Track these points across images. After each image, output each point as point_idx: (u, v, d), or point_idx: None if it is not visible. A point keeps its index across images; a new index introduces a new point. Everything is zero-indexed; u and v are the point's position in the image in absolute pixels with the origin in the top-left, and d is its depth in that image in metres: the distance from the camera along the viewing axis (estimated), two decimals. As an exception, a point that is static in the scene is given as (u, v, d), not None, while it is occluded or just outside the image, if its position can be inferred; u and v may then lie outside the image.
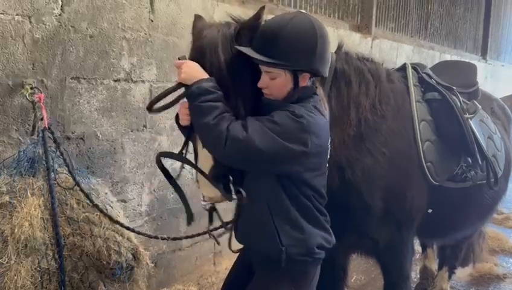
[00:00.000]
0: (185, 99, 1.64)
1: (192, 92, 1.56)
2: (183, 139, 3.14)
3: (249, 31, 1.63)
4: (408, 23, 5.98)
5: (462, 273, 3.70)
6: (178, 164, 1.81)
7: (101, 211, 2.11)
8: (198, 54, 1.64)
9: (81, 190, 2.08)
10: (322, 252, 1.68)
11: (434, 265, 3.49)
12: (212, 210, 1.81)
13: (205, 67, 1.60)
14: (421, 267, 3.54)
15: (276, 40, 1.57)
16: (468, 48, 7.80)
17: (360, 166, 2.02)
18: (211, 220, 1.83)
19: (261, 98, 1.67)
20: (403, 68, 2.48)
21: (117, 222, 2.16)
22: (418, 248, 3.46)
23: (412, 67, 2.46)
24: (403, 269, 2.33)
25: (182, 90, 1.64)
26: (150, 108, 1.71)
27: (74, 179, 2.08)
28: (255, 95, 1.66)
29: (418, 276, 3.56)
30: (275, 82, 1.61)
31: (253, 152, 1.51)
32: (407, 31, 6.00)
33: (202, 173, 1.66)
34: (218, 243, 1.92)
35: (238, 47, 1.60)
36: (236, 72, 1.61)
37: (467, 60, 6.99)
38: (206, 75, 1.58)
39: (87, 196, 2.09)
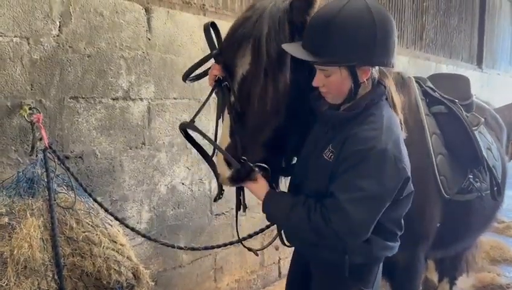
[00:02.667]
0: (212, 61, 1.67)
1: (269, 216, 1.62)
2: (182, 155, 3.17)
3: (304, 4, 1.49)
4: (403, 34, 6.03)
5: (465, 284, 3.68)
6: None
7: (121, 221, 2.11)
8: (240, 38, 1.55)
9: (95, 200, 2.10)
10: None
11: (435, 276, 3.47)
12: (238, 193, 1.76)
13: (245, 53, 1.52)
14: (423, 280, 3.52)
15: (326, 33, 1.40)
16: (464, 57, 7.86)
17: None
18: (238, 206, 1.78)
19: (323, 111, 1.56)
20: (407, 81, 2.49)
21: (133, 229, 2.18)
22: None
23: (415, 80, 2.47)
24: (415, 286, 2.32)
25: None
26: (184, 78, 1.76)
27: (85, 190, 2.12)
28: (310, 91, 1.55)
29: (420, 288, 3.54)
30: (330, 80, 1.46)
31: (362, 223, 1.44)
32: (403, 43, 6.05)
33: (219, 148, 1.63)
34: (256, 253, 1.86)
35: (284, 46, 1.46)
36: (282, 63, 1.50)
37: (462, 70, 7.06)
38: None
39: (100, 205, 2.10)
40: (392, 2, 5.69)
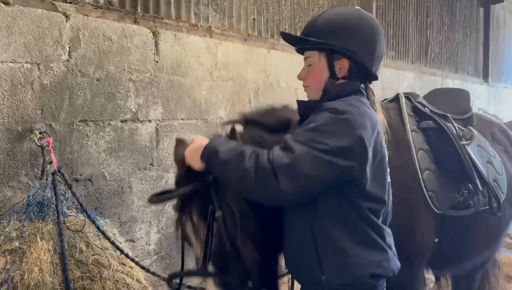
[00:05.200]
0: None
1: (207, 155, 1.41)
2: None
3: None
4: (408, 50, 6.06)
5: (479, 302, 3.60)
6: None
7: (133, 259, 2.11)
8: None
9: (100, 229, 2.08)
10: (379, 281, 1.42)
11: (449, 295, 3.41)
12: None
13: None
14: (436, 298, 3.46)
15: (315, 21, 1.52)
16: (470, 71, 7.86)
17: None
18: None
19: (297, 102, 1.56)
20: (396, 98, 2.51)
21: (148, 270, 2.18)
22: (431, 277, 3.39)
23: (405, 96, 2.48)
24: None
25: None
26: (153, 200, 1.59)
27: (89, 217, 2.10)
28: None
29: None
30: (310, 70, 1.51)
31: (308, 178, 1.31)
32: (408, 59, 6.07)
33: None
34: None
35: (282, 33, 1.56)
36: None
37: (468, 84, 7.06)
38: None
39: (107, 237, 2.09)
40: (396, 18, 5.74)
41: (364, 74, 1.51)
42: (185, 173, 1.51)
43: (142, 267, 2.28)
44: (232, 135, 1.53)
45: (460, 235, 2.40)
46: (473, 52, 8.03)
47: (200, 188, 1.48)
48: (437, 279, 3.48)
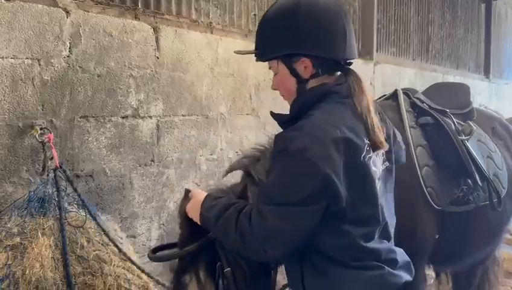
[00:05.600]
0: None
1: (202, 219, 1.42)
2: (190, 172, 3.18)
3: None
4: (409, 46, 6.04)
5: (479, 298, 3.61)
6: None
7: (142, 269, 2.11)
8: None
9: (100, 226, 2.09)
10: None
11: (449, 292, 3.41)
12: None
13: None
14: (436, 295, 3.47)
15: (259, 30, 1.43)
16: (471, 68, 7.84)
17: None
18: None
19: (271, 115, 1.48)
20: (395, 94, 2.50)
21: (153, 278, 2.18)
22: (431, 273, 3.40)
23: (403, 92, 2.47)
24: None
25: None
26: (152, 258, 1.58)
27: (91, 214, 2.10)
28: None
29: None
30: (277, 79, 1.43)
31: (289, 235, 1.27)
32: (409, 55, 6.06)
33: None
34: None
35: (236, 51, 1.53)
36: None
37: (470, 80, 7.04)
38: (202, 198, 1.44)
39: (107, 234, 2.09)
40: (398, 14, 5.72)
41: (332, 63, 1.38)
42: (189, 226, 1.49)
43: (138, 267, 2.21)
44: (244, 193, 1.50)
45: (460, 231, 2.39)
46: (475, 48, 8.01)
47: (206, 245, 1.45)
48: (437, 275, 3.48)
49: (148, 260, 2.76)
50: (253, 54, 1.47)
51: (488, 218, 2.51)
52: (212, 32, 3.22)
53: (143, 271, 2.22)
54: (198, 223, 1.44)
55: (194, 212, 1.46)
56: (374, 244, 1.35)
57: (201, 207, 1.43)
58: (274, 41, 1.37)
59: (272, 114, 1.47)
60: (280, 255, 1.34)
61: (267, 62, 1.45)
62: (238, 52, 1.57)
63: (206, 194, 1.48)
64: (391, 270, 1.37)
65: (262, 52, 1.42)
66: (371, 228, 1.34)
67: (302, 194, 1.23)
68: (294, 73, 1.38)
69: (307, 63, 1.36)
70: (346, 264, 1.32)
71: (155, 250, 1.65)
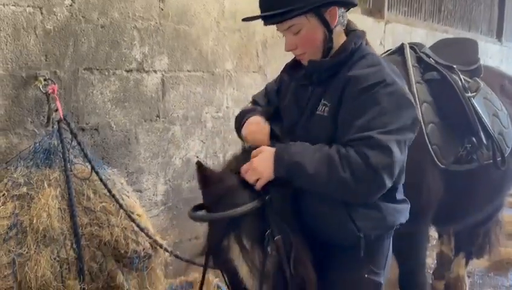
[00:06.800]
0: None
1: (287, 168, 1.36)
2: (196, 129, 3.16)
3: None
4: (421, 6, 5.86)
5: (480, 259, 3.65)
6: None
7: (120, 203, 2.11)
8: None
9: (100, 179, 2.08)
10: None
11: (451, 251, 3.45)
12: None
13: None
14: (438, 253, 3.51)
15: None
16: (483, 30, 7.63)
17: None
18: None
19: (305, 65, 1.46)
20: (401, 49, 2.41)
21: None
22: (434, 233, 3.42)
23: (409, 46, 2.39)
24: (419, 257, 2.30)
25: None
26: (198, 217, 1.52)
27: (93, 167, 2.08)
28: None
29: (435, 262, 3.53)
30: (301, 36, 1.41)
31: (400, 163, 1.36)
32: (420, 15, 5.88)
33: None
34: None
35: (244, 18, 1.49)
36: None
37: (482, 43, 6.85)
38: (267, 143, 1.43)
39: (108, 189, 2.08)
40: (410, -27, 5.51)
41: (346, 8, 1.50)
42: (241, 186, 1.41)
43: (138, 226, 2.14)
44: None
45: (463, 190, 2.37)
46: (488, 11, 7.77)
47: (258, 208, 1.37)
48: (440, 236, 3.52)
49: (155, 214, 2.79)
50: (262, 19, 1.45)
51: (491, 177, 2.48)
52: (218, -16, 3.11)
53: (142, 230, 2.15)
54: (267, 176, 1.38)
55: (265, 162, 1.38)
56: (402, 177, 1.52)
57: (281, 152, 1.37)
58: None
59: (312, 62, 1.45)
60: (389, 184, 1.37)
61: (277, 25, 1.45)
62: (246, 20, 1.50)
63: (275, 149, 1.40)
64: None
65: (290, 10, 1.37)
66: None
67: (408, 120, 1.36)
68: (325, 23, 1.41)
69: (334, 11, 1.41)
70: (395, 199, 1.48)
71: (195, 209, 1.56)
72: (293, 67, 1.59)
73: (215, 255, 1.48)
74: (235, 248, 1.39)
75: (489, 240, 3.39)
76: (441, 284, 3.26)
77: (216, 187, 1.45)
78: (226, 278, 1.50)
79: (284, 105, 1.60)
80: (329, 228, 1.46)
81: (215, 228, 1.45)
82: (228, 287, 1.51)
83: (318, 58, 1.46)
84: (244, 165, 1.44)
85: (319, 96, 1.46)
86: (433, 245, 3.56)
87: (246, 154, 1.50)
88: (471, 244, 3.28)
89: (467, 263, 3.32)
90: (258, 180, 1.40)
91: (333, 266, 1.52)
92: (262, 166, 1.39)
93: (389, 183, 1.35)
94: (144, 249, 2.14)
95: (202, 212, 1.51)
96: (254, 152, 1.44)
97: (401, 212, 1.52)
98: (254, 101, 1.75)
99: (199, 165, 1.51)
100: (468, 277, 3.34)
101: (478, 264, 3.69)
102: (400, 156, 1.34)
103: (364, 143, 1.31)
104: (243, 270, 1.40)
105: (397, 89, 1.36)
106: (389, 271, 1.61)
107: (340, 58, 1.43)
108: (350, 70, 1.40)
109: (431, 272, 3.35)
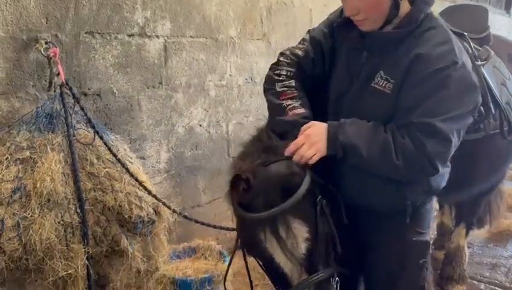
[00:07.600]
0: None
1: (343, 147, 1.34)
2: (199, 97, 3.12)
3: None
4: (429, -25, 5.71)
5: (480, 229, 3.68)
6: None
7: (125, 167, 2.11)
8: None
9: (104, 143, 2.07)
10: None
11: (451, 222, 3.47)
12: None
13: None
14: (438, 224, 3.53)
15: None
16: (492, 1, 7.46)
17: None
18: None
19: (370, 35, 1.37)
20: None
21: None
22: (435, 204, 3.43)
23: None
24: (424, 227, 2.29)
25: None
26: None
27: (97, 132, 2.06)
28: None
29: (436, 232, 3.55)
30: (365, 2, 1.32)
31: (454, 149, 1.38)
32: (428, -16, 5.73)
33: None
34: None
35: None
36: None
37: (490, 14, 6.72)
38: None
39: (114, 153, 2.07)
40: None
41: None
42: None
43: (145, 189, 2.14)
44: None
45: (469, 159, 2.35)
46: (497, -19, 7.58)
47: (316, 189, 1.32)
48: (441, 207, 3.53)
49: (158, 181, 2.78)
50: None
51: (497, 147, 2.46)
52: None
53: (150, 193, 2.18)
54: (321, 152, 1.34)
55: (319, 136, 1.35)
56: None
57: (340, 134, 1.34)
58: None
59: (379, 33, 1.38)
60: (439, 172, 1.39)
61: None
62: None
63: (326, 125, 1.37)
64: None
65: None
66: None
67: (471, 104, 1.34)
68: None
69: None
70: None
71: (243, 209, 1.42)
72: (344, 25, 1.47)
73: (250, 247, 1.44)
74: (271, 239, 1.33)
75: (490, 211, 3.40)
76: (441, 254, 3.29)
77: (259, 184, 1.33)
78: (261, 264, 1.46)
79: (333, 73, 1.51)
80: (376, 198, 1.45)
81: (251, 221, 1.38)
82: (265, 272, 1.48)
83: (377, 27, 1.38)
84: (296, 139, 1.37)
85: (376, 66, 1.39)
86: (434, 216, 3.58)
87: (258, 143, 1.45)
88: (472, 214, 3.28)
89: (467, 234, 3.33)
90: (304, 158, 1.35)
91: (379, 232, 1.52)
92: (319, 143, 1.36)
93: (441, 170, 1.38)
94: (147, 214, 2.15)
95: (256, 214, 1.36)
96: (304, 127, 1.39)
97: (443, 176, 1.54)
98: (298, 64, 1.57)
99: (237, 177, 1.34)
100: (468, 247, 3.37)
101: (478, 235, 3.72)
102: (457, 143, 1.36)
103: (424, 130, 1.30)
104: (280, 257, 1.35)
105: (466, 72, 1.32)
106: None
107: (409, 29, 1.36)
108: (418, 45, 1.33)
109: (431, 242, 3.37)
